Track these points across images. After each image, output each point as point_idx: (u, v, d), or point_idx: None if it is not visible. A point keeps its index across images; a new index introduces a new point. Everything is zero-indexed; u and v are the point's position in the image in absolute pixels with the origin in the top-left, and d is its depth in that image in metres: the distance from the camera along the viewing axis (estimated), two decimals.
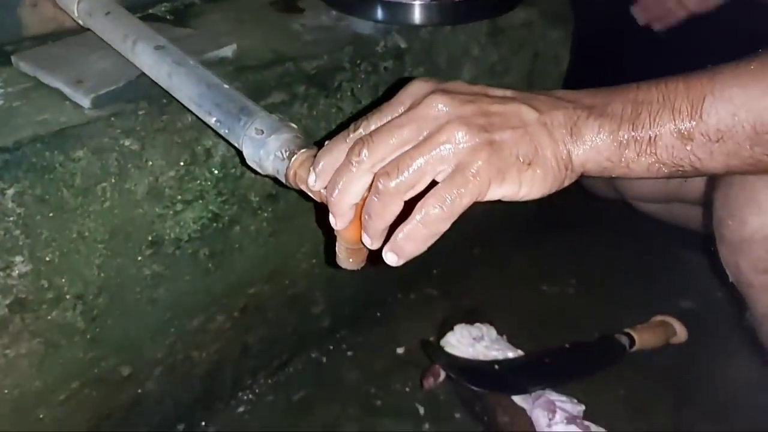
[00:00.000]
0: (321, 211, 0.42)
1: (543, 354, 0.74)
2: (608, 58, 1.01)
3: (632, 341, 0.78)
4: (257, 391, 0.76)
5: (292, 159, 0.40)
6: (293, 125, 0.42)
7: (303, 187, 0.40)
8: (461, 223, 1.00)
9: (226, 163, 0.57)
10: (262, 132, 0.41)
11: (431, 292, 0.92)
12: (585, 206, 1.09)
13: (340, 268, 0.42)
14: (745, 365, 0.83)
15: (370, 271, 0.82)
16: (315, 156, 0.39)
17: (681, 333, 0.83)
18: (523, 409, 0.67)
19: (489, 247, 1.00)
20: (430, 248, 0.92)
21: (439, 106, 0.37)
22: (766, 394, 0.78)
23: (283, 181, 0.41)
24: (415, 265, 0.95)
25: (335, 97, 0.63)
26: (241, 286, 0.66)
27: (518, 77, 0.86)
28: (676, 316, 0.85)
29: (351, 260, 0.41)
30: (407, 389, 0.77)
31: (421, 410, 0.75)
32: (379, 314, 0.87)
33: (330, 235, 0.40)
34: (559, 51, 0.90)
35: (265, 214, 0.64)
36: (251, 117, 0.42)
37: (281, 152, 0.40)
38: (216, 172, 0.57)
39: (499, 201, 0.37)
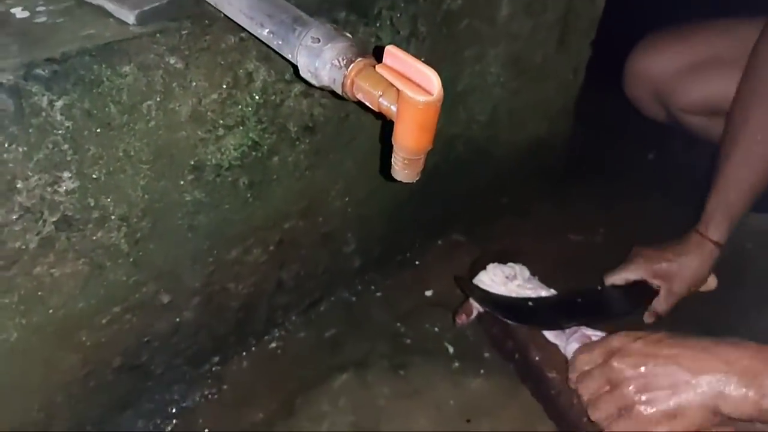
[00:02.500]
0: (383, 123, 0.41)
1: (575, 294, 0.74)
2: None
3: None
4: (289, 327, 0.77)
5: (350, 67, 0.39)
6: (348, 35, 0.41)
7: (360, 96, 0.40)
8: (489, 172, 0.98)
9: (266, 89, 0.57)
10: (318, 41, 0.40)
11: (458, 238, 0.92)
12: (612, 158, 1.08)
13: (395, 180, 0.41)
14: None
15: (403, 215, 0.82)
16: (373, 65, 0.39)
17: (711, 281, 0.83)
18: (555, 346, 0.68)
19: (516, 197, 0.99)
20: (457, 196, 0.92)
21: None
22: None
23: (339, 91, 0.41)
24: (444, 211, 0.95)
25: (374, 25, 0.62)
26: (277, 219, 0.66)
27: (554, 17, 0.84)
28: None
29: (407, 172, 0.40)
30: (436, 329, 0.78)
31: (451, 349, 0.76)
32: (407, 258, 0.88)
33: (387, 145, 0.40)
34: None
35: (303, 146, 0.63)
36: (306, 26, 0.41)
37: (338, 60, 0.39)
38: (257, 97, 0.56)
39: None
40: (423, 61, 0.69)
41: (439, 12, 0.68)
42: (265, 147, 0.60)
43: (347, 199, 0.73)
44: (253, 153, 0.59)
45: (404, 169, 0.40)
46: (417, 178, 0.41)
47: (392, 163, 0.41)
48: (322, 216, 0.72)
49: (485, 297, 0.72)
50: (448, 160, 0.84)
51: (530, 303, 0.71)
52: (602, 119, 1.06)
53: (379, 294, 0.83)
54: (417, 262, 0.88)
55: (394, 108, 0.38)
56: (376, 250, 0.83)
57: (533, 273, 0.78)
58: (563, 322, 0.68)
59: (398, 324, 0.79)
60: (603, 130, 1.08)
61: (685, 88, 0.85)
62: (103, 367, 0.60)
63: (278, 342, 0.76)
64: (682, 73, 0.86)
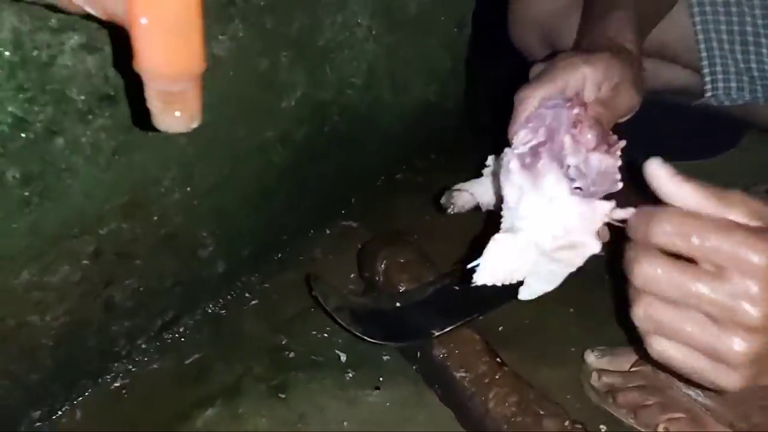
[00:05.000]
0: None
1: (450, 279, 0.61)
2: None
3: None
4: (136, 359, 0.60)
5: None
6: None
7: (80, 2, 0.25)
8: (376, 145, 0.82)
9: (22, 42, 0.41)
10: None
11: (350, 224, 0.79)
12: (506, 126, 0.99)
13: (162, 133, 0.27)
14: None
15: (275, 203, 0.67)
16: None
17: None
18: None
19: (411, 170, 0.88)
20: (343, 174, 0.74)
21: None
22: None
23: (56, 3, 0.26)
24: (328, 194, 0.81)
25: None
26: (85, 223, 0.50)
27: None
28: None
29: (175, 115, 0.26)
30: (325, 335, 0.64)
31: (343, 357, 0.62)
32: (288, 255, 0.74)
33: (136, 80, 0.26)
34: None
35: (101, 121, 0.48)
36: None
37: None
38: (8, 54, 0.40)
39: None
40: (264, 6, 0.55)
41: None
42: (39, 124, 0.44)
43: (189, 189, 0.58)
44: (21, 134, 0.43)
45: (165, 109, 0.26)
46: (193, 124, 0.27)
47: (148, 105, 0.26)
48: (157, 214, 0.56)
49: (341, 307, 0.59)
50: (322, 132, 0.71)
51: (398, 303, 0.59)
52: (498, 79, 0.96)
53: (254, 302, 0.68)
54: (301, 258, 0.74)
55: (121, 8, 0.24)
56: (246, 250, 0.69)
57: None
58: (434, 328, 0.56)
59: (279, 335, 0.64)
60: (499, 91, 0.99)
61: (570, 25, 0.76)
62: None
63: (123, 380, 0.59)
64: (566, 10, 0.77)
